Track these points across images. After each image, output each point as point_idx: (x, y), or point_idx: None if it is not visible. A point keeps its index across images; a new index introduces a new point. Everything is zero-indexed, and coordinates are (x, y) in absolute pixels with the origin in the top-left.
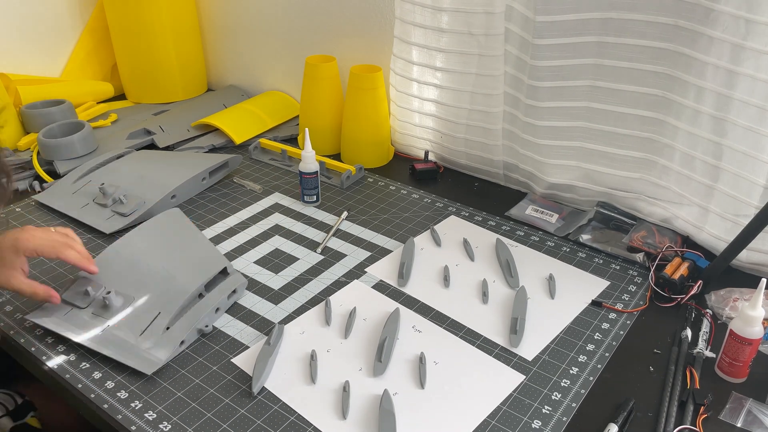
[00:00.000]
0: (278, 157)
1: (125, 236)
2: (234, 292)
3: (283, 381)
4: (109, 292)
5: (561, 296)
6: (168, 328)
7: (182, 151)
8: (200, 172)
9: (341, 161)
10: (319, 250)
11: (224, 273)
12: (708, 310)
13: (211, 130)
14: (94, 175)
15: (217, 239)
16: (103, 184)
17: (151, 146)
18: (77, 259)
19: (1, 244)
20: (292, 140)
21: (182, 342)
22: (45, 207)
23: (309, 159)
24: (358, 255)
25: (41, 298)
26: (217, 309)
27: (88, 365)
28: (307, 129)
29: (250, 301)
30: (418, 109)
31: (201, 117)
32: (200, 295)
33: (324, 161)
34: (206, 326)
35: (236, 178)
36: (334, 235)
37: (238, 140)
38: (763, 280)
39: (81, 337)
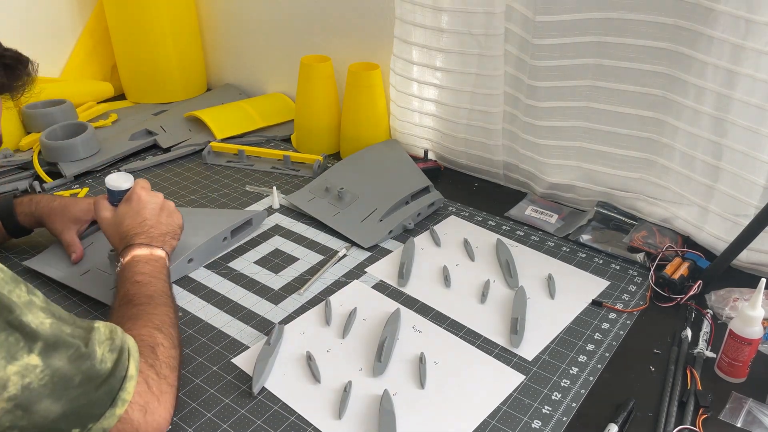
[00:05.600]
0: (234, 159)
1: (353, 156)
2: (432, 204)
3: (283, 381)
4: (342, 188)
5: (561, 296)
6: (381, 221)
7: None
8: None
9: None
10: (302, 291)
11: (426, 190)
12: (708, 310)
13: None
14: None
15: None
16: None
17: (154, 146)
18: None
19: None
20: (286, 141)
21: (390, 231)
22: None
23: (122, 178)
24: (358, 255)
25: None
26: (419, 214)
27: None
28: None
29: (250, 301)
30: (418, 108)
31: None
32: (406, 202)
33: (288, 155)
34: (409, 224)
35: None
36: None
37: (219, 135)
38: (763, 280)
39: (322, 216)
